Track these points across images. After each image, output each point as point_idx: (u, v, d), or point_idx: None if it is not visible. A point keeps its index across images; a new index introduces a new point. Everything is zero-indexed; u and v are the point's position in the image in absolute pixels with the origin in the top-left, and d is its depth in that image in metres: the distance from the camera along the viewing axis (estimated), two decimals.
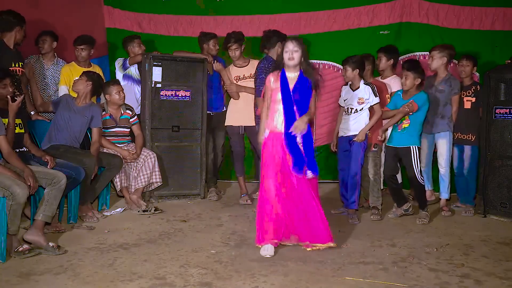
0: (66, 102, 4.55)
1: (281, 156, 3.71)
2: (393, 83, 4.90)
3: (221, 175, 6.03)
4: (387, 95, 4.83)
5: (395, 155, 4.60)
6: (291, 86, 3.74)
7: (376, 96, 4.50)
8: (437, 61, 4.75)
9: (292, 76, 3.76)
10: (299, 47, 3.71)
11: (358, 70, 4.53)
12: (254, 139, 5.05)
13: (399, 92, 4.62)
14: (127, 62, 5.30)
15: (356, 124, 4.56)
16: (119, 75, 5.39)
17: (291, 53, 3.69)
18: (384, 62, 4.96)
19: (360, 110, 4.55)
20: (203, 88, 5.25)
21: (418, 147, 4.48)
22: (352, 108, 4.60)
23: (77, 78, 4.64)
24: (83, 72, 4.69)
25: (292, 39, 3.75)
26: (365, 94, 4.52)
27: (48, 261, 3.35)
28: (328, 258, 3.50)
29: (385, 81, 4.95)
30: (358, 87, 4.56)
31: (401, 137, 4.52)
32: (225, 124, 5.35)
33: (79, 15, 5.84)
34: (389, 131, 4.72)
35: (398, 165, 4.75)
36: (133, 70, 5.39)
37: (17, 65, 4.26)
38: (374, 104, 4.52)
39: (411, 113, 4.44)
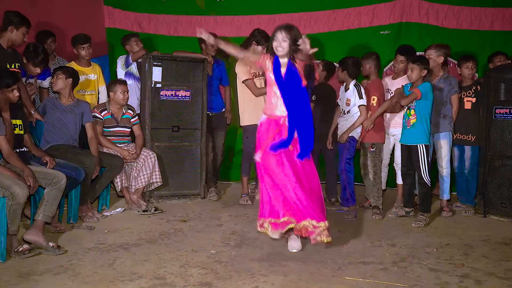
0: (52, 104, 4.49)
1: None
2: (405, 83, 4.84)
3: (221, 175, 6.03)
4: (372, 97, 4.70)
5: (408, 152, 4.56)
6: (283, 70, 3.70)
7: (360, 98, 4.58)
8: (434, 60, 4.74)
9: (283, 61, 3.72)
10: (288, 36, 3.64)
11: (345, 71, 4.66)
12: None
13: (408, 85, 4.57)
14: (130, 59, 5.29)
15: (344, 126, 4.69)
16: (120, 72, 5.37)
17: (280, 42, 3.65)
18: (399, 62, 4.89)
19: (348, 112, 4.66)
20: (203, 88, 5.25)
21: (426, 145, 4.44)
22: (343, 109, 4.73)
23: (53, 78, 4.54)
24: (56, 69, 4.61)
25: (281, 29, 3.66)
26: (351, 95, 4.63)
27: (48, 261, 3.35)
28: (328, 258, 3.50)
29: (396, 81, 4.92)
30: (348, 88, 4.68)
31: (410, 135, 4.49)
32: (244, 124, 5.13)
33: (79, 15, 5.85)
34: (399, 129, 4.72)
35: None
36: (135, 68, 5.38)
37: (13, 66, 4.23)
38: (360, 106, 4.59)
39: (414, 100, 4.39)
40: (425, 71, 4.44)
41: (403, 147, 4.60)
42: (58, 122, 4.44)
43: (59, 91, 4.50)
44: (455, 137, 4.93)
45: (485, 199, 4.76)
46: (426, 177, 4.45)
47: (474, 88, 4.89)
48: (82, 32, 5.21)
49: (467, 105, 4.90)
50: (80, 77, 4.71)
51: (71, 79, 4.49)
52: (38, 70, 4.63)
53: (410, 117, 4.47)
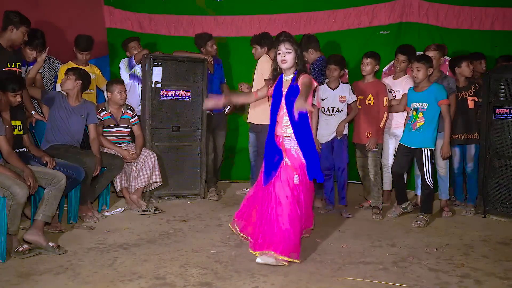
0: (60, 101, 4.47)
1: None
2: (405, 84, 4.81)
3: (221, 175, 6.03)
4: (385, 98, 4.70)
5: (408, 154, 4.54)
6: (285, 89, 3.55)
7: (354, 94, 4.80)
8: (437, 61, 4.74)
9: (287, 78, 3.58)
10: (292, 48, 3.51)
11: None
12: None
13: (411, 88, 4.57)
14: (133, 60, 5.28)
15: (334, 126, 4.79)
16: (124, 75, 5.37)
17: (283, 55, 3.51)
18: (400, 61, 4.88)
19: (342, 110, 4.78)
20: (203, 88, 5.25)
21: (431, 149, 4.40)
22: (333, 107, 4.77)
23: (64, 78, 4.55)
24: (68, 69, 4.59)
25: (285, 40, 3.53)
26: (345, 92, 4.78)
27: (48, 261, 3.35)
28: (328, 258, 3.50)
29: (397, 81, 4.91)
30: (338, 86, 4.78)
31: (415, 137, 4.44)
32: (264, 123, 4.86)
33: (80, 15, 5.84)
34: (401, 130, 4.71)
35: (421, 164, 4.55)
36: (139, 70, 5.37)
37: (13, 66, 4.22)
38: (352, 102, 4.80)
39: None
40: (431, 70, 4.43)
41: (402, 147, 4.56)
42: (61, 122, 4.43)
43: (67, 92, 4.50)
44: (463, 137, 4.88)
45: (485, 199, 4.76)
46: (429, 180, 4.43)
47: (473, 87, 4.86)
48: (83, 32, 5.20)
49: (471, 104, 4.86)
50: None
51: (80, 81, 4.48)
52: (34, 54, 4.61)
53: (417, 119, 4.41)
